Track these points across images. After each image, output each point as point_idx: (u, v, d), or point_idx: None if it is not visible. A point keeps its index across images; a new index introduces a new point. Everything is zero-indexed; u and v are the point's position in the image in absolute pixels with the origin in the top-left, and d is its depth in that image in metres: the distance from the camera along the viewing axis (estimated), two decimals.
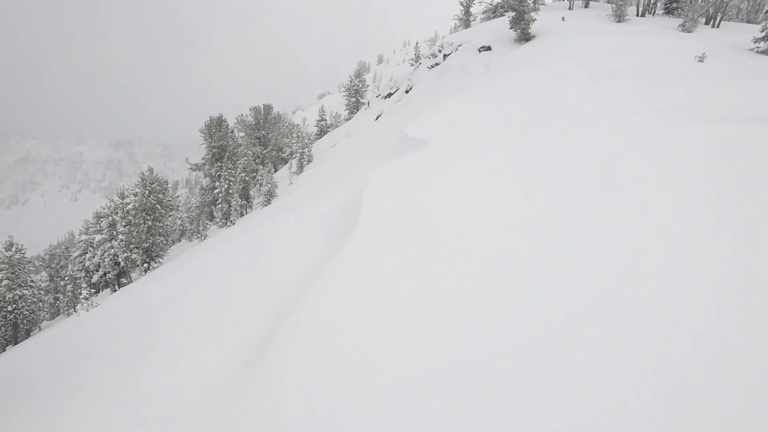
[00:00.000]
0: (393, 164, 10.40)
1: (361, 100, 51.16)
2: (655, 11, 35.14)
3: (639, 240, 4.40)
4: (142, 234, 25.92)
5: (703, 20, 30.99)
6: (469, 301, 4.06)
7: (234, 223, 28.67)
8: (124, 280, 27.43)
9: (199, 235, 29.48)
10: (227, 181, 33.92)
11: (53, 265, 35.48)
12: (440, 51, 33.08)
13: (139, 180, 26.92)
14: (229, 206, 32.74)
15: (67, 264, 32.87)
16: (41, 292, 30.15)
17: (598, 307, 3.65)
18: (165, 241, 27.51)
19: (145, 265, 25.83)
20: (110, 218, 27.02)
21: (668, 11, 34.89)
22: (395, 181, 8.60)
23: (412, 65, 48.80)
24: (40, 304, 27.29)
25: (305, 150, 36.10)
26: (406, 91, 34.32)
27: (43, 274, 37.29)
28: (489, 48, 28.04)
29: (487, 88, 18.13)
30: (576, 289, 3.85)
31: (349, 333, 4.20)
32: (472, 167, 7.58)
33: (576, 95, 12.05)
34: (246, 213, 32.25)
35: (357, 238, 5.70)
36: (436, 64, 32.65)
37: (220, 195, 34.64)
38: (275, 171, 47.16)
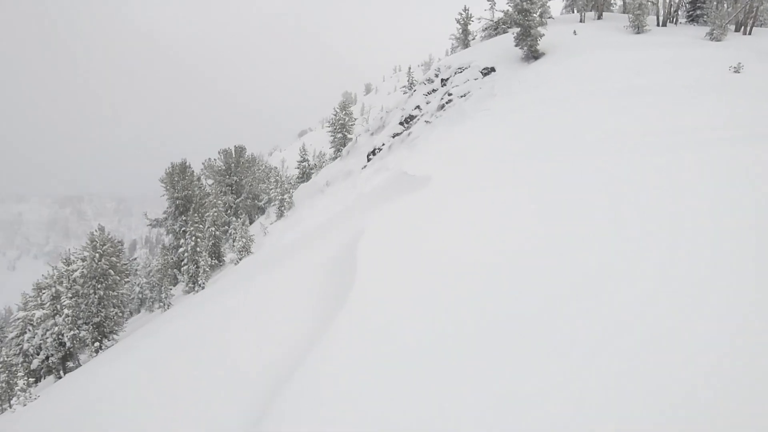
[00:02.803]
0: (391, 208, 10.40)
1: (348, 136, 52.07)
2: (677, 20, 36.65)
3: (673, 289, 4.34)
4: (92, 306, 25.55)
5: (733, 27, 32.27)
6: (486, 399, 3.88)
7: (203, 287, 28.39)
8: (70, 364, 26.76)
9: (161, 303, 29.11)
10: (194, 238, 33.87)
11: None
12: (437, 75, 34.02)
13: (88, 242, 26.82)
14: (197, 267, 32.52)
15: (1, 348, 32.23)
16: None
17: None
18: (120, 314, 27.09)
19: (97, 343, 25.28)
20: (53, 289, 26.74)
21: (691, 19, 36.40)
22: (395, 230, 8.56)
23: (406, 93, 50.21)
24: None
25: (285, 196, 36.34)
26: (401, 123, 34.99)
27: None
28: (493, 69, 28.91)
29: (494, 113, 18.52)
30: (612, 358, 3.74)
31: None
32: (484, 209, 7.59)
33: (596, 116, 12.32)
34: (219, 271, 32.00)
35: (349, 313, 5.57)
36: (433, 91, 33.52)
37: (186, 254, 34.48)
38: (251, 222, 47.34)
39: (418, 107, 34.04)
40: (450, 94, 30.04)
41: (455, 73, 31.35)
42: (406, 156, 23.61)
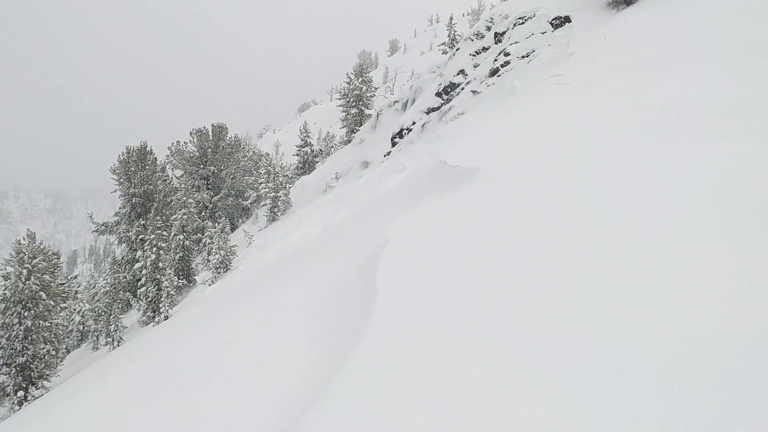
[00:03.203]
0: (424, 211, 10.22)
1: (367, 111, 52.13)
2: None
3: None
4: (15, 341, 25.86)
5: None
6: None
7: (167, 316, 28.58)
8: None
9: (109, 338, 29.40)
10: (155, 249, 34.18)
11: None
12: (489, 28, 33.83)
13: (13, 254, 27.20)
14: (158, 290, 32.76)
15: None
16: None
17: None
18: (54, 352, 27.38)
19: (21, 392, 25.56)
20: None
21: None
22: (429, 242, 8.37)
23: (445, 53, 50.04)
24: None
25: (280, 194, 36.44)
26: (438, 93, 34.85)
27: None
28: (567, 19, 28.58)
29: (568, 81, 18.21)
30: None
31: None
32: (557, 215, 7.33)
33: (717, 84, 11.96)
34: (187, 293, 32.20)
35: (361, 370, 5.40)
36: (484, 49, 33.31)
37: (144, 271, 34.80)
38: (233, 229, 47.67)
39: (462, 72, 33.85)
40: (507, 54, 29.77)
41: (514, 25, 31.09)
42: (446, 139, 23.41)
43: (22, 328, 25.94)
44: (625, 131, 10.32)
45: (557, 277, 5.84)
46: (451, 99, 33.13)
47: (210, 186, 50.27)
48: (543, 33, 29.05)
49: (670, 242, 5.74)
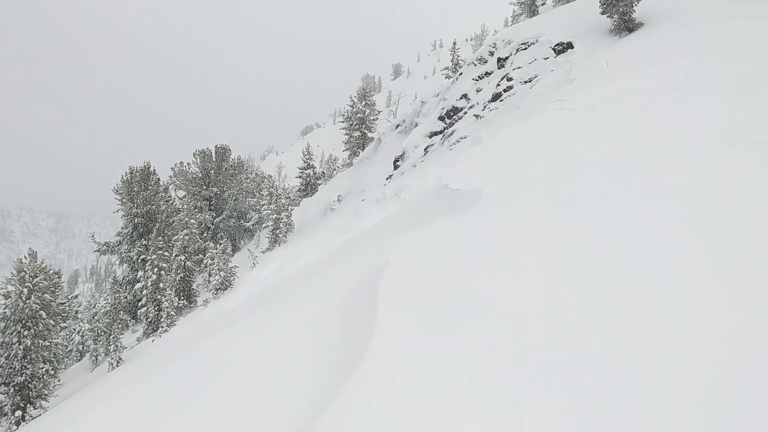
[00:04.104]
0: (425, 234, 10.21)
1: (369, 134, 52.33)
2: None
3: None
4: (14, 360, 25.76)
5: None
6: None
7: (168, 331, 28.45)
8: None
9: (110, 359, 29.24)
10: (156, 270, 34.15)
11: None
12: (492, 53, 34.01)
13: (14, 272, 27.19)
14: (159, 310, 32.69)
15: None
16: None
17: None
18: (52, 372, 27.24)
19: (18, 412, 25.41)
20: None
21: None
22: (431, 265, 8.36)
23: (449, 77, 50.38)
24: None
25: (282, 215, 36.45)
26: (440, 117, 34.96)
27: None
28: (569, 45, 28.74)
29: (570, 106, 18.26)
30: None
31: None
32: (559, 240, 7.32)
33: (722, 113, 11.99)
34: (188, 314, 32.09)
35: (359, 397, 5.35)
36: (487, 74, 33.47)
37: (145, 291, 34.75)
38: (234, 250, 47.63)
39: (464, 96, 34.00)
40: (510, 79, 29.92)
41: (517, 51, 31.28)
42: (448, 163, 23.45)
43: (21, 347, 25.83)
44: (625, 158, 10.33)
45: (555, 299, 5.82)
46: (453, 123, 33.23)
47: (212, 207, 50.33)
48: (546, 58, 29.21)
49: (662, 273, 5.74)
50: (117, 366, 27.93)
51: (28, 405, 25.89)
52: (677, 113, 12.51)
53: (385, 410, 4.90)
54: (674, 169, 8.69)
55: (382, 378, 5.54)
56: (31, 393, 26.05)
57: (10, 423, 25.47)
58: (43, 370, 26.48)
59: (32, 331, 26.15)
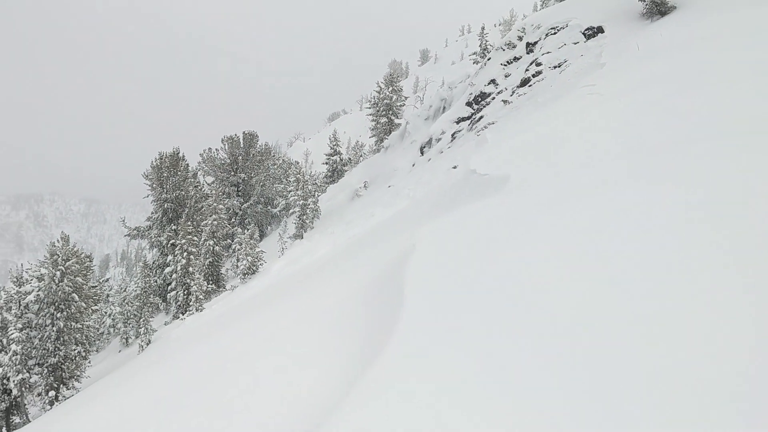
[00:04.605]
0: (453, 218, 10.16)
1: (396, 120, 52.17)
2: None
3: None
4: (47, 342, 26.25)
5: None
6: None
7: (200, 310, 28.74)
8: (16, 419, 27.51)
9: (140, 341, 29.65)
10: (185, 254, 34.49)
11: None
12: (521, 38, 33.68)
13: (48, 255, 27.63)
14: (188, 293, 33.06)
15: None
16: None
17: None
18: (84, 354, 27.72)
19: (52, 392, 25.92)
20: None
21: None
22: (459, 250, 8.31)
23: (476, 63, 50.01)
24: None
25: (309, 201, 36.55)
26: (468, 103, 34.75)
27: None
28: (600, 30, 28.34)
29: (600, 92, 18.03)
30: None
31: None
32: (590, 224, 7.22)
33: (752, 97, 11.75)
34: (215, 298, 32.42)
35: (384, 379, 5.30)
36: (515, 59, 33.16)
37: (175, 275, 35.14)
38: (261, 236, 47.93)
39: (492, 82, 33.74)
40: (539, 64, 29.62)
41: (546, 35, 30.92)
42: (475, 148, 23.32)
43: (54, 329, 26.31)
44: (656, 143, 10.17)
45: (582, 283, 5.74)
46: (481, 108, 33.01)
47: (240, 193, 50.62)
48: (575, 43, 28.85)
49: (690, 257, 5.63)
50: (146, 347, 28.33)
51: (61, 385, 26.39)
52: (711, 98, 12.27)
53: (405, 409, 4.86)
54: (707, 155, 8.53)
55: (404, 371, 5.49)
56: (63, 374, 26.56)
57: (44, 403, 26.02)
58: (76, 351, 26.96)
59: (65, 313, 26.61)
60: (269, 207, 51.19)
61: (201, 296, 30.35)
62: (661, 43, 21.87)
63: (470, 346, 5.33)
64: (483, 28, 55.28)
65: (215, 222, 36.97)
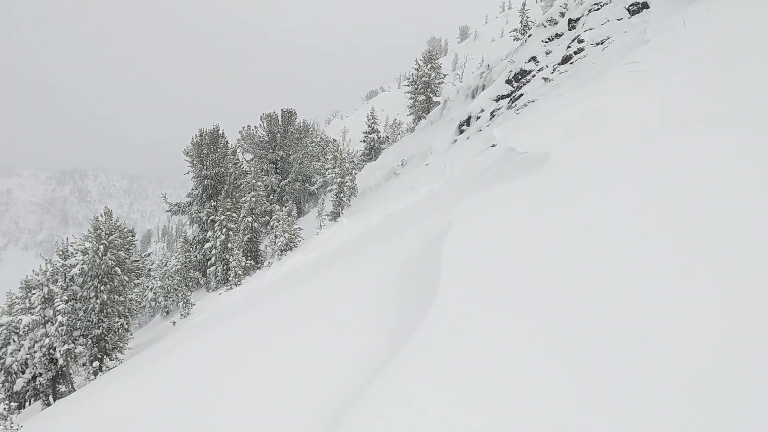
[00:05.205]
0: (490, 196, 10.08)
1: (434, 98, 51.84)
2: None
3: None
4: (92, 314, 26.89)
5: None
6: None
7: (238, 284, 29.12)
8: (62, 388, 28.33)
9: (180, 313, 30.23)
10: (225, 230, 34.94)
11: None
12: (563, 14, 33.11)
13: (92, 230, 28.20)
14: (227, 269, 33.54)
15: None
16: None
17: None
18: (126, 326, 28.35)
19: (96, 363, 26.61)
20: (46, 289, 28.37)
21: None
22: (497, 227, 8.25)
23: (517, 39, 49.28)
24: None
25: (346, 179, 36.65)
26: (508, 81, 34.36)
27: None
28: (645, 5, 27.68)
29: (644, 69, 17.67)
30: None
31: None
32: (630, 202, 7.11)
33: None
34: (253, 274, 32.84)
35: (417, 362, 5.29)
36: (557, 36, 32.62)
37: (214, 251, 35.64)
38: (299, 213, 48.25)
39: (533, 59, 33.26)
40: (581, 41, 29.09)
41: (589, 11, 30.32)
42: (515, 126, 23.09)
43: (98, 301, 26.93)
44: (700, 122, 9.94)
45: (632, 263, 5.64)
46: (521, 86, 32.60)
47: (278, 170, 50.94)
48: (619, 19, 28.23)
49: (741, 238, 5.48)
50: (186, 316, 28.85)
51: (105, 356, 27.06)
52: (762, 76, 11.93)
53: (443, 372, 4.86)
54: (759, 132, 8.31)
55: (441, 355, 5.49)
56: (107, 345, 27.23)
57: (89, 373, 26.73)
58: (118, 324, 27.59)
59: (108, 286, 27.21)
60: (307, 185, 51.43)
61: (240, 271, 30.79)
62: (708, 19, 21.29)
63: (503, 330, 5.30)
64: (524, 5, 54.42)
65: (254, 199, 37.35)
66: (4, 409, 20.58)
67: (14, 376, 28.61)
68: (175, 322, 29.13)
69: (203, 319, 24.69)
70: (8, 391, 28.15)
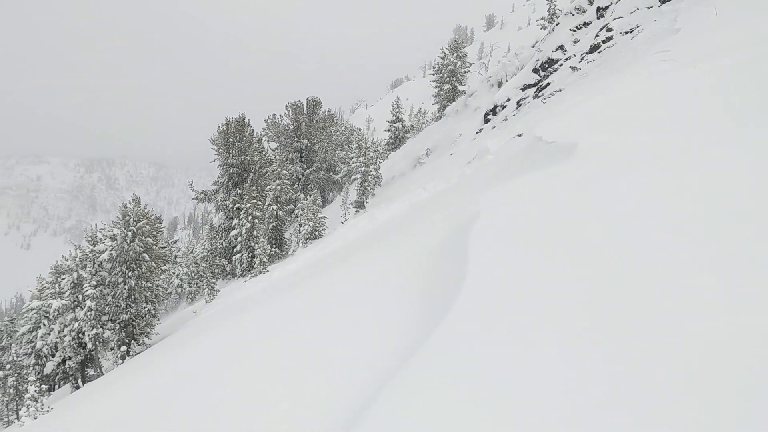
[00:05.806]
0: (516, 186, 10.05)
1: (460, 87, 51.57)
2: None
3: None
4: (120, 299, 27.28)
5: None
6: None
7: (264, 272, 29.31)
8: (90, 371, 28.80)
9: (206, 299, 30.54)
10: (250, 218, 35.15)
11: None
12: (591, 3, 32.73)
13: (120, 216, 28.58)
14: (252, 256, 33.79)
15: (11, 344, 35.39)
16: None
17: None
18: (153, 312, 28.72)
19: (124, 347, 27.01)
20: (75, 274, 28.81)
21: None
22: (522, 215, 8.22)
23: (544, 28, 48.79)
24: None
25: (371, 168, 36.66)
26: (534, 69, 34.09)
27: None
28: None
29: (675, 58, 17.45)
30: None
31: None
32: (662, 193, 7.03)
33: None
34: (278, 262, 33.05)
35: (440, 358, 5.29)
36: (585, 24, 32.27)
37: (240, 239, 35.91)
38: (323, 202, 48.41)
39: (561, 48, 32.94)
40: (609, 30, 28.75)
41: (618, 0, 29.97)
42: (542, 115, 22.92)
43: (126, 287, 27.34)
44: (730, 113, 9.80)
45: (667, 254, 5.58)
46: (548, 75, 32.33)
47: (303, 159, 51.19)
48: (649, 7, 27.84)
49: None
50: (210, 300, 29.13)
51: (132, 341, 27.47)
52: None
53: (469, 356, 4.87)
54: None
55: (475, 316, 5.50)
56: (135, 330, 27.63)
57: (117, 357, 27.16)
58: (146, 309, 27.97)
59: (136, 272, 27.59)
60: (331, 173, 51.58)
61: (265, 259, 30.97)
62: (741, 7, 20.94)
63: (530, 323, 5.27)
64: None
65: (279, 187, 37.50)
66: (36, 391, 20.97)
67: (44, 359, 29.21)
68: (196, 311, 29.46)
69: (226, 307, 24.95)
70: (39, 373, 28.72)
